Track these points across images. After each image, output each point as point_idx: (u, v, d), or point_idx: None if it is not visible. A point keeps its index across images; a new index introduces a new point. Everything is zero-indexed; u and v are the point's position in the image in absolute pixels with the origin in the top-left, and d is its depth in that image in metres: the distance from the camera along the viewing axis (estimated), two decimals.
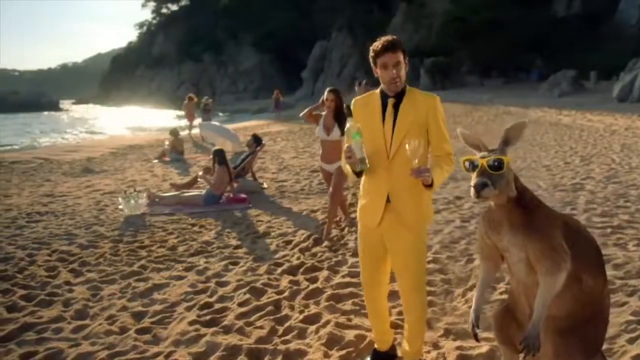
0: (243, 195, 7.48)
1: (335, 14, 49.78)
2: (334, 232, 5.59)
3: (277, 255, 4.92)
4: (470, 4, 37.15)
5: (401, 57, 2.51)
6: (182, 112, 20.91)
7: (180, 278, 4.49)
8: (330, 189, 5.47)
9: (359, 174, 2.60)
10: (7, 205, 7.99)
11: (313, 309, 3.66)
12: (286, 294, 3.97)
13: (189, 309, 3.83)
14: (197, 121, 17.59)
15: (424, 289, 2.65)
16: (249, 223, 6.26)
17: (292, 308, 3.71)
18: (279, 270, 4.51)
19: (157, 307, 3.89)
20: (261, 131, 17.45)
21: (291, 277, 4.31)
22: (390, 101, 2.56)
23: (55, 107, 75.80)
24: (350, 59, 45.52)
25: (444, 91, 32.59)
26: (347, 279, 4.19)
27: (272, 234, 5.70)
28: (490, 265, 2.14)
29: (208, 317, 3.64)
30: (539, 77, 33.55)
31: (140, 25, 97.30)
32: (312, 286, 4.08)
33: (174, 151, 12.73)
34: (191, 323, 3.55)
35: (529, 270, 1.92)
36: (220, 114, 40.24)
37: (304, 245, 5.17)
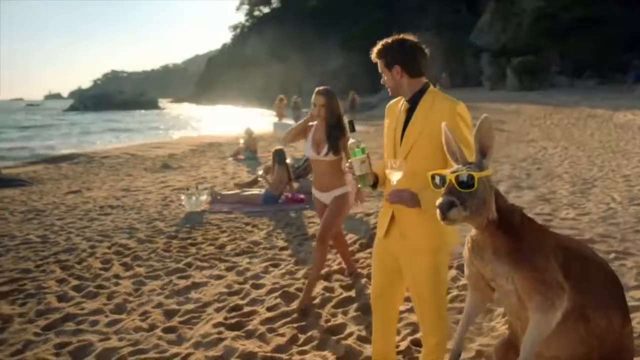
0: (301, 196, 7.42)
1: (423, 13, 48.80)
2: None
3: None
4: (563, 0, 34.79)
5: (382, 65, 2.31)
6: (270, 111, 21.83)
7: (219, 277, 4.50)
8: (320, 228, 3.90)
9: (374, 186, 2.40)
10: (87, 198, 8.52)
11: (339, 319, 3.50)
12: (317, 300, 3.84)
13: (218, 310, 3.81)
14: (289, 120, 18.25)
15: (441, 316, 2.35)
16: (301, 224, 6.19)
17: (318, 316, 3.57)
18: None
19: (190, 307, 3.91)
20: None
21: (326, 283, 4.17)
22: (404, 107, 2.34)
23: (153, 106, 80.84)
24: (435, 60, 44.36)
25: (531, 92, 30.74)
26: None
27: None
28: (477, 295, 1.85)
29: (234, 321, 3.60)
30: (637, 78, 30.71)
31: (234, 27, 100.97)
32: (345, 294, 3.92)
33: (248, 150, 13.00)
34: (216, 325, 3.52)
35: (522, 304, 1.64)
36: (306, 111, 40.81)
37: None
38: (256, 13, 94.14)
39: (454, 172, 1.59)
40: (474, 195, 1.55)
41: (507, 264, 1.61)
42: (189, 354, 3.16)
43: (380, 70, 2.34)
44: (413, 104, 2.32)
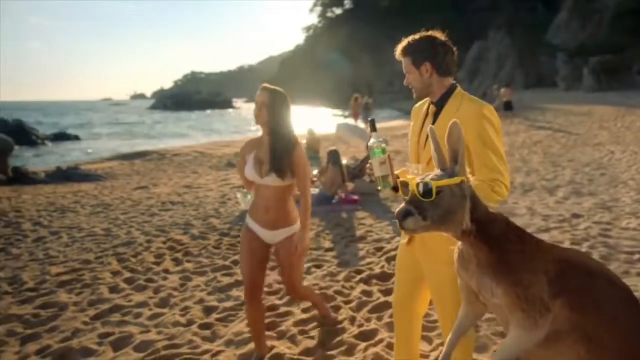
0: (355, 197, 7.36)
1: (494, 12, 47.28)
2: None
3: (362, 262, 4.72)
4: None
5: (409, 62, 2.17)
6: (338, 111, 22.21)
7: None
8: (286, 286, 3.07)
9: (395, 189, 2.30)
10: (151, 193, 8.91)
11: (372, 324, 3.41)
12: (353, 304, 3.77)
13: None
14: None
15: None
16: (350, 225, 6.12)
17: (352, 320, 3.50)
18: (357, 278, 4.31)
19: (228, 304, 3.96)
20: (403, 132, 17.14)
21: (365, 287, 4.09)
22: (430, 110, 2.22)
23: (228, 105, 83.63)
24: (507, 60, 42.57)
25: (610, 92, 28.80)
26: None
27: (368, 238, 5.49)
28: (468, 308, 1.72)
29: (268, 320, 3.59)
30: None
31: (307, 29, 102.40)
32: (382, 299, 3.82)
33: (310, 150, 13.05)
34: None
35: None
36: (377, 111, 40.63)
37: (393, 253, 4.88)
38: (329, 14, 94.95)
39: (421, 179, 1.48)
40: (436, 204, 1.43)
41: (489, 277, 1.50)
42: (219, 352, 3.20)
43: (405, 70, 2.21)
44: (439, 106, 2.20)
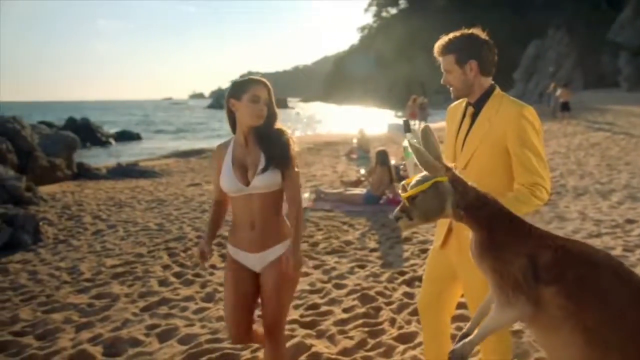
0: None
1: (555, 10, 45.42)
2: None
3: (406, 263, 4.67)
4: None
5: (451, 61, 2.09)
6: (392, 111, 22.31)
7: (305, 275, 4.56)
8: (266, 322, 2.39)
9: None
10: (204, 190, 9.16)
11: (413, 327, 3.37)
12: (394, 306, 3.73)
13: (297, 307, 3.87)
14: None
15: (501, 334, 2.15)
16: (397, 227, 6.06)
17: (392, 322, 3.48)
18: (400, 279, 4.27)
19: None
20: None
21: (407, 289, 4.04)
22: (469, 110, 2.17)
23: (283, 105, 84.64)
24: (566, 59, 40.79)
25: None
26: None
27: (414, 240, 5.42)
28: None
29: (309, 319, 3.63)
30: None
31: (362, 28, 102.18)
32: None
33: (361, 149, 13.05)
34: (290, 322, 3.57)
35: None
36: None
37: None
38: (384, 14, 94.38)
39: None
40: (415, 206, 1.68)
41: (476, 256, 1.65)
42: (258, 348, 3.24)
43: (445, 68, 2.14)
44: (478, 108, 2.14)
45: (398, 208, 1.74)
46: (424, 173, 1.68)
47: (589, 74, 38.40)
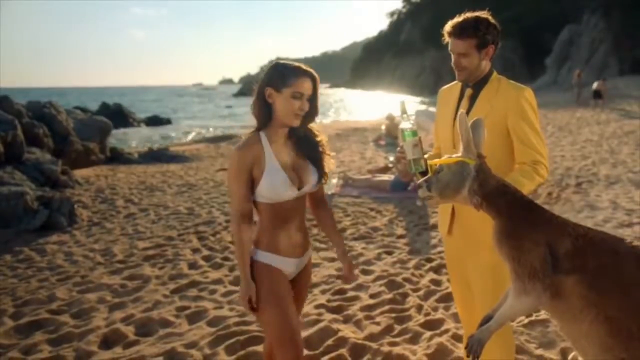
0: None
1: None
2: None
3: (433, 250, 4.65)
4: None
5: (472, 44, 2.01)
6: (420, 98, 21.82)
7: (332, 260, 4.59)
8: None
9: (424, 173, 2.18)
10: None
11: (439, 314, 3.36)
12: (421, 292, 3.73)
13: (324, 292, 3.90)
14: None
15: (506, 330, 2.07)
16: (424, 213, 6.03)
17: (419, 309, 3.47)
18: (427, 266, 4.26)
19: None
20: None
21: (435, 276, 4.03)
22: (467, 92, 2.14)
23: None
24: (601, 45, 39.13)
25: None
26: None
27: None
28: None
29: (335, 304, 3.65)
30: None
31: (391, 14, 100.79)
32: (451, 288, 3.74)
33: (389, 136, 12.97)
34: (317, 307, 3.61)
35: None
36: None
37: None
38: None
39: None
40: (438, 179, 1.72)
41: (496, 243, 1.63)
42: None
43: (461, 51, 2.04)
44: (477, 89, 2.11)
45: (424, 177, 1.79)
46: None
47: (624, 60, 37.02)
